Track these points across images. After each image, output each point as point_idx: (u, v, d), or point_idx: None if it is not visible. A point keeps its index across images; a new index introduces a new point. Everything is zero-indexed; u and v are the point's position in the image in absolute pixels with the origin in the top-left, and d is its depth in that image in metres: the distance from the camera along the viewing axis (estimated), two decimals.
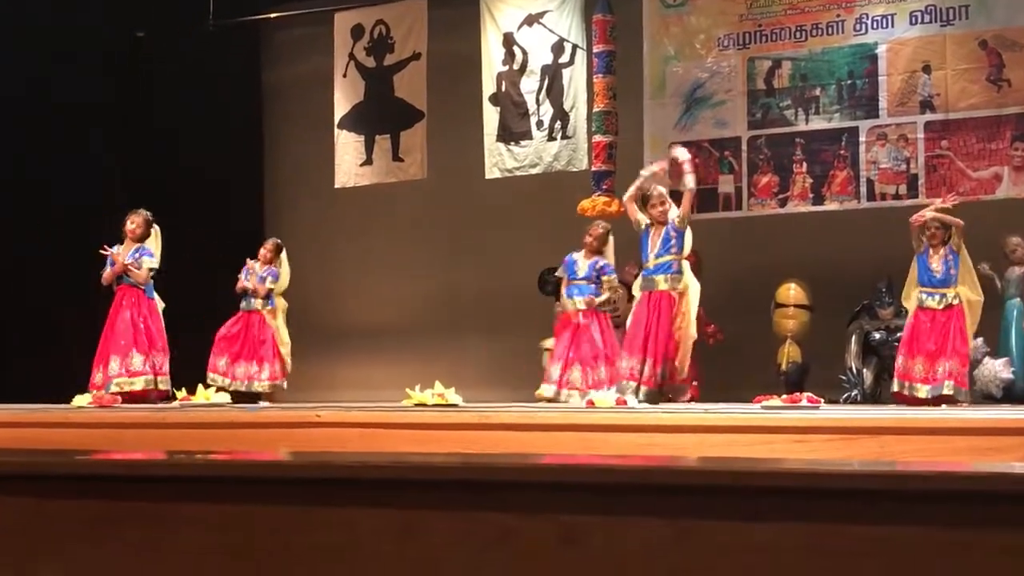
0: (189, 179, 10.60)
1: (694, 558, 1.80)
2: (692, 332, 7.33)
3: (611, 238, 8.03)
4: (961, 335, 7.13)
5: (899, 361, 7.31)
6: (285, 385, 8.68)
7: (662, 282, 7.27)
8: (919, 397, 7.11)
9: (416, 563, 1.88)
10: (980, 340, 7.75)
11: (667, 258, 7.31)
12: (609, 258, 7.95)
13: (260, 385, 8.53)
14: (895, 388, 7.32)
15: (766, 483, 1.79)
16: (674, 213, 7.39)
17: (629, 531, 1.80)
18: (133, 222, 8.30)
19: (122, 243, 8.28)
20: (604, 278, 7.88)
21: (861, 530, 1.78)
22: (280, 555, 1.93)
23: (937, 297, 7.21)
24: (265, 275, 8.67)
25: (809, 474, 1.85)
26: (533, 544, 1.83)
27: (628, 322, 7.54)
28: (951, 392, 7.02)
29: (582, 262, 7.96)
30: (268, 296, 8.66)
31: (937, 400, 7.02)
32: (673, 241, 7.30)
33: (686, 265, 7.40)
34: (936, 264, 7.24)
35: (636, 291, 7.55)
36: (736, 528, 1.77)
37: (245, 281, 8.65)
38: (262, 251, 8.69)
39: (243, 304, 8.66)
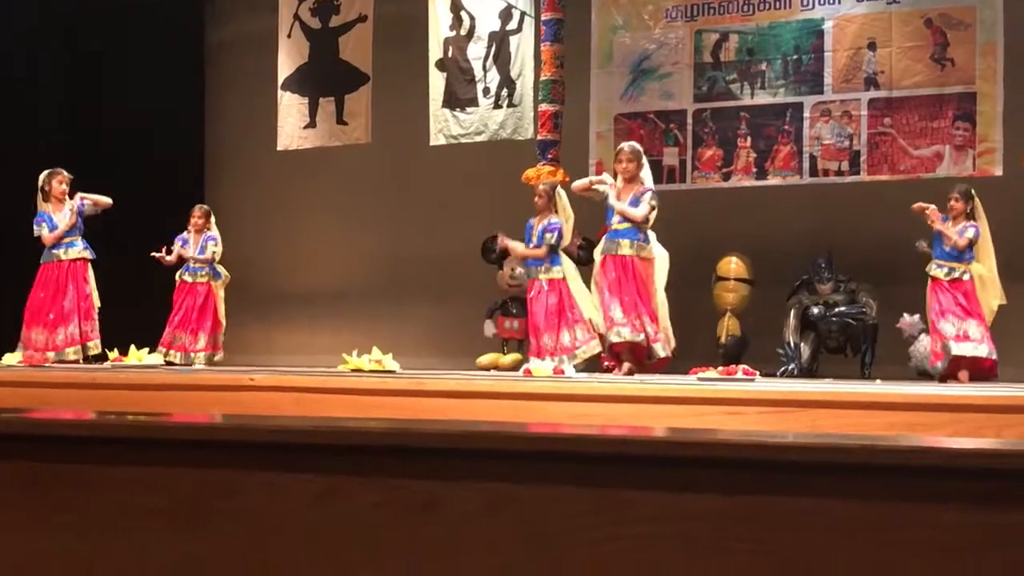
0: (129, 139, 10.45)
1: (622, 525, 1.78)
2: (664, 301, 7.30)
3: (561, 192, 7.92)
4: (970, 306, 7.12)
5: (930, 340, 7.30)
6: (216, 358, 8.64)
7: (627, 246, 7.21)
8: (954, 354, 7.07)
9: (340, 529, 1.85)
10: (916, 317, 7.84)
11: (632, 224, 7.23)
12: (562, 214, 7.79)
13: (199, 357, 8.47)
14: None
15: (693, 453, 1.77)
16: (646, 174, 7.37)
17: (555, 500, 1.78)
18: (62, 182, 8.19)
19: (48, 203, 8.19)
20: (544, 236, 7.72)
21: (788, 502, 1.77)
22: (203, 518, 1.88)
23: (946, 269, 7.26)
24: (205, 242, 8.57)
25: (737, 445, 1.83)
26: (458, 512, 1.80)
27: (595, 286, 7.39)
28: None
29: (535, 227, 7.85)
30: (210, 263, 8.59)
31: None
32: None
33: (652, 235, 7.34)
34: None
35: (597, 255, 7.45)
36: (663, 498, 1.76)
37: (184, 250, 8.55)
38: (194, 219, 8.59)
39: (187, 276, 8.55)
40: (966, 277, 7.19)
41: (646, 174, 7.42)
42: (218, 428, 2.04)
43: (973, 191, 7.39)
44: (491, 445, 1.82)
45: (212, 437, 1.94)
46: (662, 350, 7.20)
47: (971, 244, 7.19)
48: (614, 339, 7.13)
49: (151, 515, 1.88)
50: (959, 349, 7.06)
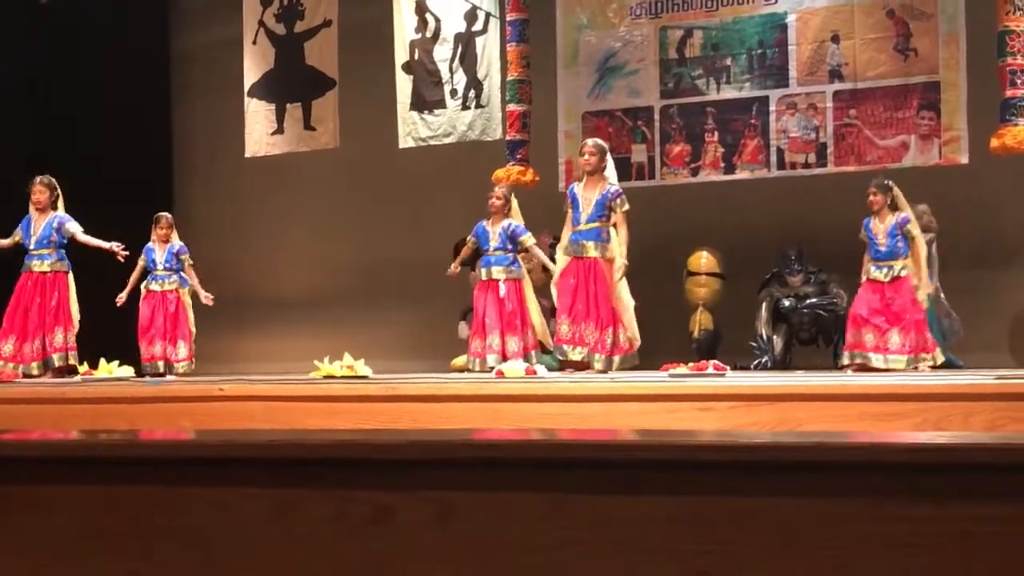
0: (96, 148, 10.38)
1: (573, 531, 1.78)
2: (630, 299, 7.31)
3: (514, 198, 8.04)
4: (914, 305, 7.16)
5: (848, 334, 7.31)
6: (193, 366, 8.58)
7: (592, 248, 7.25)
8: (873, 367, 7.10)
9: (292, 543, 1.84)
10: None
11: (597, 224, 7.27)
12: (517, 219, 7.93)
13: (181, 366, 8.40)
14: (844, 361, 7.29)
15: (642, 456, 1.78)
16: (611, 172, 7.39)
17: (506, 506, 1.78)
18: (38, 191, 8.15)
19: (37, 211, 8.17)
20: (520, 239, 7.82)
21: (740, 502, 1.78)
22: (151, 537, 1.87)
23: (884, 269, 7.27)
24: (176, 250, 8.50)
25: (687, 447, 1.84)
26: (410, 522, 1.80)
27: (555, 289, 7.46)
28: (902, 367, 7.02)
29: (492, 230, 7.93)
30: (179, 271, 8.52)
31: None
32: (608, 208, 7.28)
33: (614, 233, 7.36)
34: (881, 237, 7.29)
35: (560, 256, 7.50)
36: (613, 502, 1.76)
37: (150, 261, 8.47)
38: (162, 230, 8.49)
39: (155, 285, 8.46)
40: (904, 273, 7.21)
41: (611, 172, 7.44)
42: (163, 444, 2.03)
43: (891, 183, 7.40)
44: (440, 454, 1.82)
45: (157, 454, 1.94)
46: (598, 362, 7.21)
47: (906, 234, 7.23)
48: (560, 357, 7.27)
49: (93, 536, 1.87)
50: (876, 361, 7.11)
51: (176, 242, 8.55)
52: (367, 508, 1.81)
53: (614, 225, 7.32)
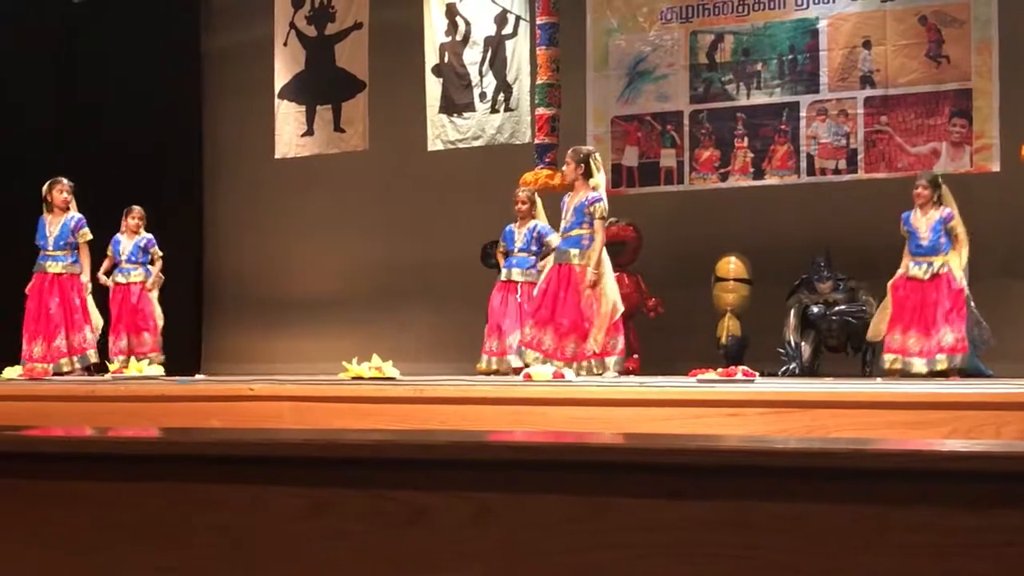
0: (126, 147, 10.45)
1: (609, 534, 1.78)
2: (611, 308, 7.18)
3: (538, 200, 8.07)
4: (951, 300, 7.05)
5: (891, 337, 7.20)
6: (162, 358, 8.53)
7: (573, 256, 7.22)
8: (914, 372, 7.01)
9: (327, 542, 1.85)
10: None
11: (579, 231, 7.23)
12: (542, 220, 7.97)
13: (147, 358, 8.32)
14: (886, 364, 7.18)
15: (679, 460, 1.77)
16: (598, 181, 7.28)
17: (542, 508, 1.78)
18: (63, 191, 8.19)
19: (51, 213, 8.19)
20: (547, 240, 7.87)
21: (776, 507, 1.77)
22: (182, 534, 1.88)
23: (924, 266, 7.19)
24: (144, 244, 8.51)
25: (724, 451, 1.83)
26: (446, 521, 1.80)
27: (537, 292, 7.43)
28: (945, 366, 6.96)
29: (518, 232, 7.99)
30: (146, 264, 8.51)
31: (934, 375, 6.96)
32: (587, 214, 7.21)
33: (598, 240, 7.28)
34: (924, 231, 7.22)
35: (549, 262, 7.49)
36: (650, 506, 1.76)
37: (116, 254, 8.50)
38: (133, 220, 8.50)
39: (120, 277, 8.47)
40: (944, 270, 7.14)
41: (598, 179, 7.31)
42: (197, 443, 2.04)
43: (940, 179, 7.37)
44: (478, 455, 1.82)
45: (190, 451, 1.94)
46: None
47: (949, 231, 7.16)
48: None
49: (126, 530, 1.88)
50: (918, 366, 7.03)
51: (144, 235, 8.56)
52: (404, 507, 1.81)
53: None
